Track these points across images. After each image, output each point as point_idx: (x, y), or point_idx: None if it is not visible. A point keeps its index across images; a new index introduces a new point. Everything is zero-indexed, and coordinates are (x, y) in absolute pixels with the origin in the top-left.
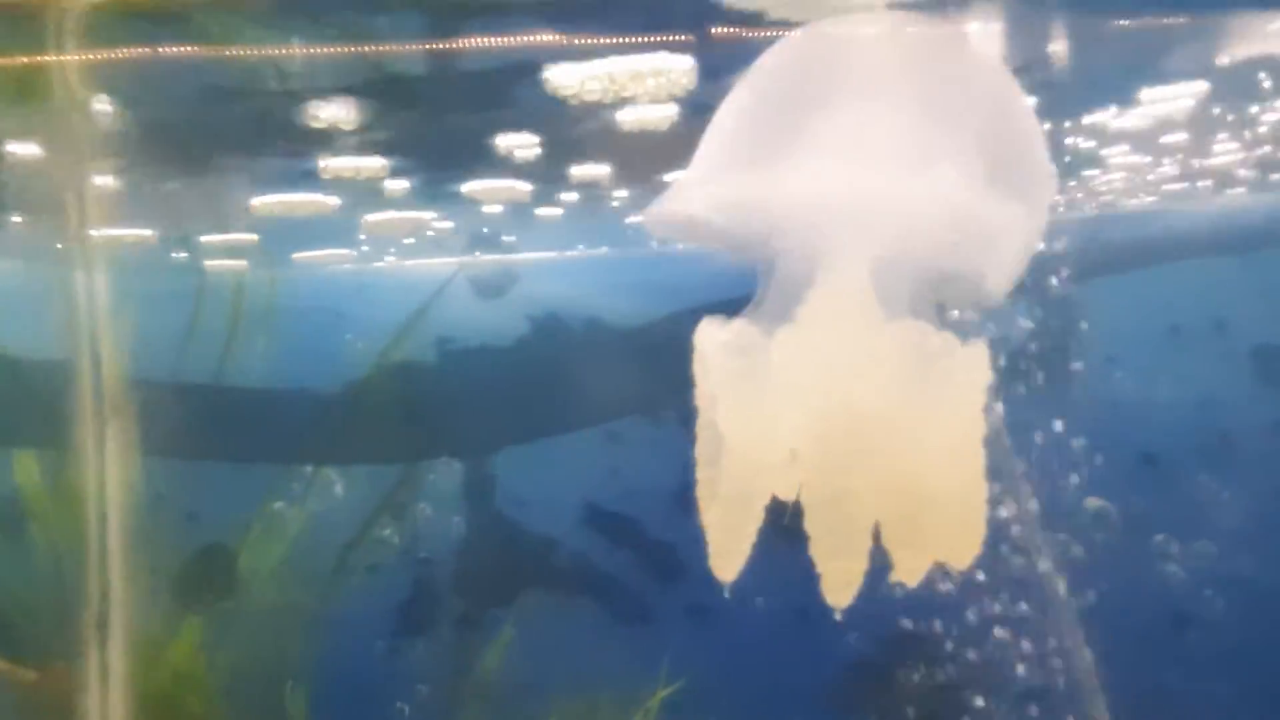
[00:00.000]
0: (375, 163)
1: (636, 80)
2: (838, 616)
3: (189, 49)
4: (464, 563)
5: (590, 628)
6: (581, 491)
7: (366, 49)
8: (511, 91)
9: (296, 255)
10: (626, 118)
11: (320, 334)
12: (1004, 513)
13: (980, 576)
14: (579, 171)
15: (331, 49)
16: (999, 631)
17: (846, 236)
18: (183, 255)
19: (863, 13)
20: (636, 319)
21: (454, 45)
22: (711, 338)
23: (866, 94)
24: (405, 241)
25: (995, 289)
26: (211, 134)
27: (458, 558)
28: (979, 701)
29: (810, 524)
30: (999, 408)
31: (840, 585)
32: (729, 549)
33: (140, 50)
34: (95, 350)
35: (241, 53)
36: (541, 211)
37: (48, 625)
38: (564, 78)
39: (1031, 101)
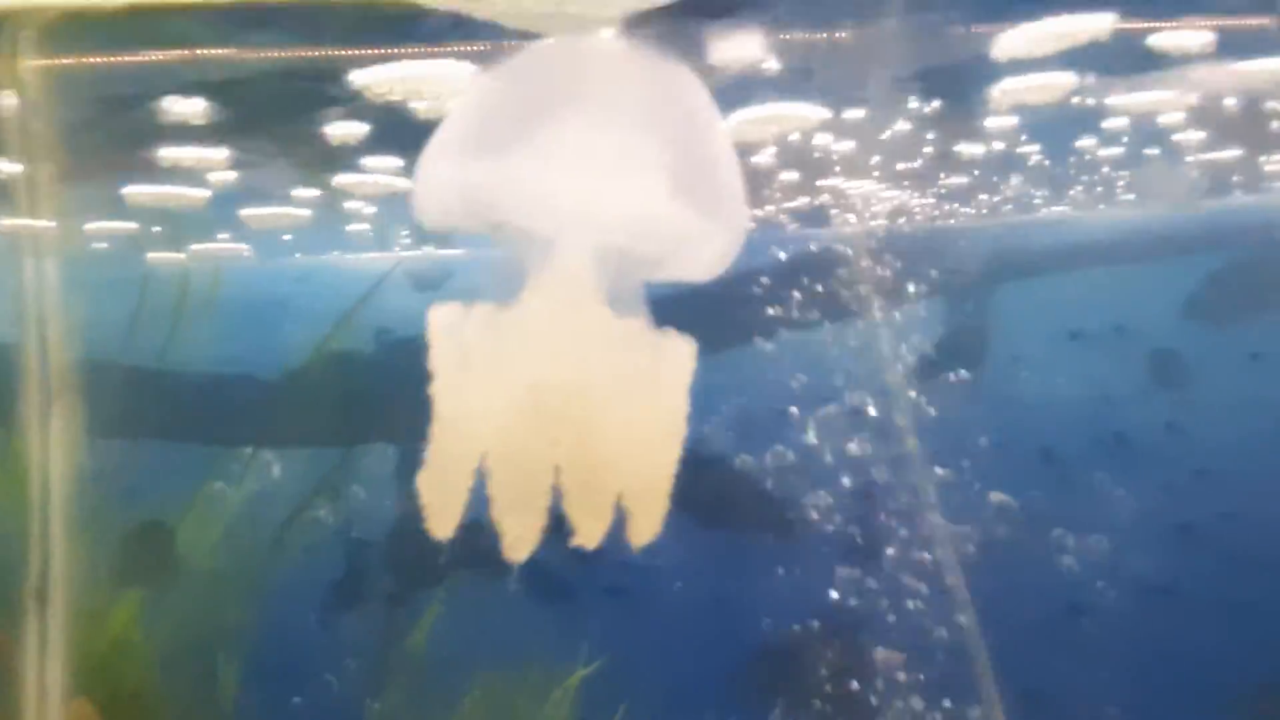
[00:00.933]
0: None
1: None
2: (513, 572)
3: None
4: (395, 543)
5: (514, 607)
6: None
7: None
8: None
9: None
10: None
11: (262, 322)
12: (908, 505)
13: (886, 565)
14: None
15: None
16: (904, 618)
17: (561, 231)
18: (104, 246)
19: (600, 33)
20: None
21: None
22: (432, 317)
23: (587, 104)
24: (349, 233)
25: (695, 279)
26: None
27: (389, 538)
28: (882, 686)
29: (492, 483)
30: (910, 403)
31: (515, 540)
32: (441, 509)
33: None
34: (42, 334)
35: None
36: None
37: None
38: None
39: (935, 104)
